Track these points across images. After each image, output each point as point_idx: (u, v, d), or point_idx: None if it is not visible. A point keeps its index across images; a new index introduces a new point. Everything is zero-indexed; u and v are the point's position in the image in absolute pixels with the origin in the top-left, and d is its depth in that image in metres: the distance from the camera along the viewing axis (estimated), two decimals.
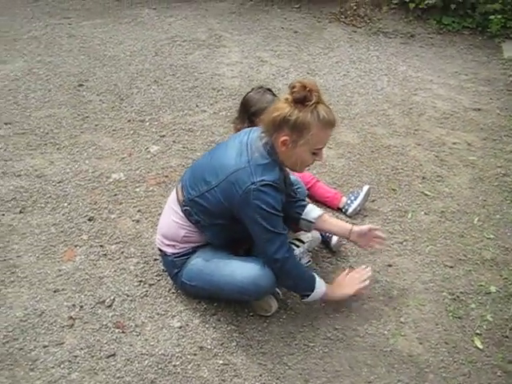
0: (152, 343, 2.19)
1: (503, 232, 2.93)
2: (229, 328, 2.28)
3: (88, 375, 2.05)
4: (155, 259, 2.57)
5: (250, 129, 2.26)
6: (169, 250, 2.31)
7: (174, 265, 2.31)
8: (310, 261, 2.57)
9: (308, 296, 2.26)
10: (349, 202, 2.95)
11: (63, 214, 2.83)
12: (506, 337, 2.33)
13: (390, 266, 2.67)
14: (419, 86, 4.54)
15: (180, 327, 2.26)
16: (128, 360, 2.12)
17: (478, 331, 2.36)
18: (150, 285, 2.45)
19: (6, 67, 4.34)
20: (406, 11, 5.90)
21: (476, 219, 3.02)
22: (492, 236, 2.90)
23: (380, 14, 5.95)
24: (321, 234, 2.70)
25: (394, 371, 2.16)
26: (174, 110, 3.88)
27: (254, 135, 2.16)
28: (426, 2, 5.65)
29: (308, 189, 2.92)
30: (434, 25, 5.75)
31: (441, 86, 4.58)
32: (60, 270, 2.49)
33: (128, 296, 2.38)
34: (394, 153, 3.56)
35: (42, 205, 2.88)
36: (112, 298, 2.37)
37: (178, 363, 2.12)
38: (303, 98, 2.00)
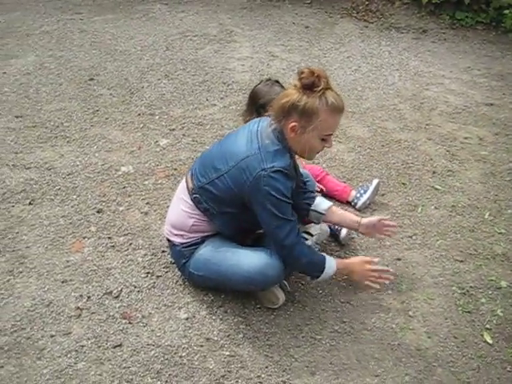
0: (158, 334, 2.19)
1: None
2: (236, 320, 2.27)
3: (94, 365, 2.05)
4: (163, 251, 2.57)
5: (259, 118, 2.26)
6: (177, 240, 2.31)
7: (181, 255, 2.31)
8: None
9: (318, 277, 2.24)
10: (358, 195, 2.93)
11: (72, 206, 2.83)
12: None
13: (399, 259, 2.65)
14: (431, 80, 4.50)
15: (187, 319, 2.26)
16: (134, 350, 2.12)
17: (487, 326, 2.33)
18: (158, 276, 2.45)
19: (18, 62, 4.36)
20: (418, 6, 5.84)
21: (487, 214, 2.99)
22: (503, 231, 2.87)
23: (392, 9, 5.91)
24: (329, 228, 2.68)
25: (402, 365, 2.15)
26: (184, 103, 3.88)
27: (264, 124, 2.16)
28: None
29: (317, 182, 2.90)
30: (447, 20, 5.69)
31: (453, 80, 4.53)
32: (68, 261, 2.50)
33: (135, 287, 2.38)
34: (405, 147, 3.53)
35: (52, 197, 2.89)
36: (119, 289, 2.37)
37: (184, 354, 2.12)
38: (311, 83, 2.00)
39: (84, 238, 2.64)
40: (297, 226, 2.18)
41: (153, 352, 2.11)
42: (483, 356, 2.20)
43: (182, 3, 5.86)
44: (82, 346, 2.11)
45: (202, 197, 2.22)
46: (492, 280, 2.56)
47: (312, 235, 2.55)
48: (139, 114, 3.71)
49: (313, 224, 2.62)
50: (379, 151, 3.47)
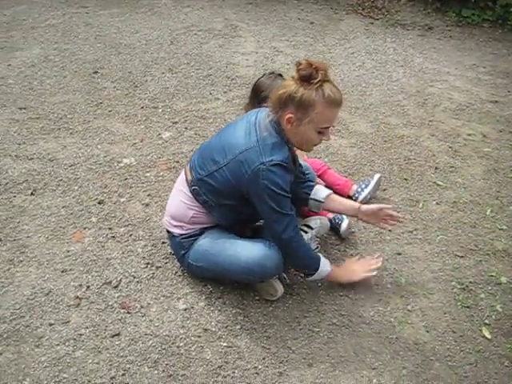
0: (156, 324, 2.19)
1: None
2: (234, 311, 2.28)
3: (92, 353, 2.06)
4: (163, 242, 2.57)
5: (258, 109, 2.26)
6: (176, 231, 2.32)
7: (181, 246, 2.32)
8: (318, 247, 2.56)
9: (312, 275, 2.27)
10: (359, 190, 2.92)
11: (73, 197, 2.84)
12: None
13: (399, 254, 2.64)
14: (435, 77, 4.48)
15: (185, 309, 2.27)
16: (132, 340, 2.12)
17: (486, 321, 2.33)
18: (157, 267, 2.45)
19: (23, 54, 4.37)
20: (424, 3, 5.82)
21: (489, 210, 2.97)
22: (505, 227, 2.86)
23: (398, 5, 5.89)
24: (330, 221, 2.68)
25: (399, 358, 2.14)
26: (188, 97, 3.88)
27: (262, 114, 2.16)
28: None
29: (319, 176, 2.89)
30: (453, 17, 5.66)
31: (458, 77, 4.52)
32: (68, 251, 2.51)
33: (135, 277, 2.39)
34: (408, 143, 3.52)
35: (53, 187, 2.90)
36: (119, 279, 2.38)
37: (181, 344, 2.12)
38: (309, 75, 1.99)
39: (85, 228, 2.65)
40: (295, 220, 2.18)
41: (150, 342, 2.12)
42: (481, 351, 2.20)
43: None
44: (80, 335, 2.12)
45: (200, 189, 2.22)
46: (492, 276, 2.55)
47: (312, 228, 2.55)
48: (142, 107, 3.71)
49: (313, 217, 2.62)
50: (381, 146, 3.46)
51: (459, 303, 2.40)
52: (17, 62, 4.24)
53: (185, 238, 2.30)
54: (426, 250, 2.68)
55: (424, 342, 2.22)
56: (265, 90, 2.68)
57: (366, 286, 2.44)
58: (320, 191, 2.43)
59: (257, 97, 2.72)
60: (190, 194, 2.27)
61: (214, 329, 2.20)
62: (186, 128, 3.50)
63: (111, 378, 1.98)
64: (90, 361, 2.03)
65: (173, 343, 2.13)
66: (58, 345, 2.08)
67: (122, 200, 2.85)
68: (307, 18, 5.55)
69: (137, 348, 2.09)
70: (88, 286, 2.33)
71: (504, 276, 2.55)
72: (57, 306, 2.23)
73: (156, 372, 2.02)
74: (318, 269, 2.24)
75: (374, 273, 2.39)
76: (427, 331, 2.26)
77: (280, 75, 2.77)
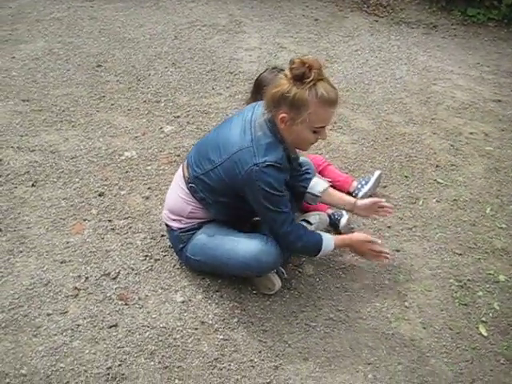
0: (154, 316, 2.20)
1: None
2: (231, 305, 2.29)
3: (89, 344, 2.07)
4: (162, 235, 2.58)
5: (255, 104, 2.25)
6: (175, 225, 2.32)
7: (179, 240, 2.32)
8: None
9: (316, 255, 2.28)
10: (359, 186, 2.93)
11: (74, 189, 2.85)
12: None
13: (397, 250, 2.64)
14: (439, 76, 4.47)
15: (183, 302, 2.28)
16: (129, 331, 2.13)
17: (483, 319, 2.33)
18: (156, 260, 2.46)
19: (27, 47, 4.38)
20: (429, 1, 5.81)
21: (489, 209, 2.97)
22: (504, 226, 2.86)
23: (403, 3, 5.87)
24: (329, 217, 2.69)
25: (395, 354, 2.15)
26: (190, 92, 3.88)
27: (258, 111, 2.15)
28: None
29: (319, 172, 2.90)
30: (458, 16, 5.65)
31: (461, 76, 4.51)
32: (68, 243, 2.52)
33: (133, 269, 2.40)
34: (409, 140, 3.52)
35: (54, 179, 2.91)
36: (117, 270, 2.39)
37: (178, 336, 2.13)
38: (301, 74, 1.96)
39: (85, 220, 2.66)
40: (291, 216, 2.18)
41: (147, 333, 2.13)
42: (477, 348, 2.20)
43: None
44: (78, 325, 2.13)
45: (197, 186, 2.23)
46: (490, 274, 2.55)
47: (311, 224, 2.56)
48: (145, 101, 3.72)
49: (312, 213, 2.63)
50: (383, 144, 3.46)
51: (457, 300, 2.40)
52: (21, 54, 4.25)
53: (183, 232, 2.30)
54: (425, 247, 2.68)
55: (420, 338, 2.22)
56: (267, 85, 2.66)
57: (363, 281, 2.45)
58: (317, 185, 2.43)
59: (259, 92, 2.72)
60: (187, 191, 2.27)
61: (210, 322, 2.21)
62: (187, 122, 3.51)
63: (108, 369, 1.99)
64: (87, 351, 2.05)
65: (169, 335, 2.13)
66: (55, 335, 2.09)
67: (122, 193, 2.86)
68: (312, 15, 5.54)
69: (134, 339, 2.11)
70: (87, 277, 2.34)
71: (502, 274, 2.55)
72: (55, 297, 2.25)
73: (152, 363, 2.03)
74: (320, 250, 2.23)
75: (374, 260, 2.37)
76: (424, 328, 2.27)
77: (282, 70, 2.76)
